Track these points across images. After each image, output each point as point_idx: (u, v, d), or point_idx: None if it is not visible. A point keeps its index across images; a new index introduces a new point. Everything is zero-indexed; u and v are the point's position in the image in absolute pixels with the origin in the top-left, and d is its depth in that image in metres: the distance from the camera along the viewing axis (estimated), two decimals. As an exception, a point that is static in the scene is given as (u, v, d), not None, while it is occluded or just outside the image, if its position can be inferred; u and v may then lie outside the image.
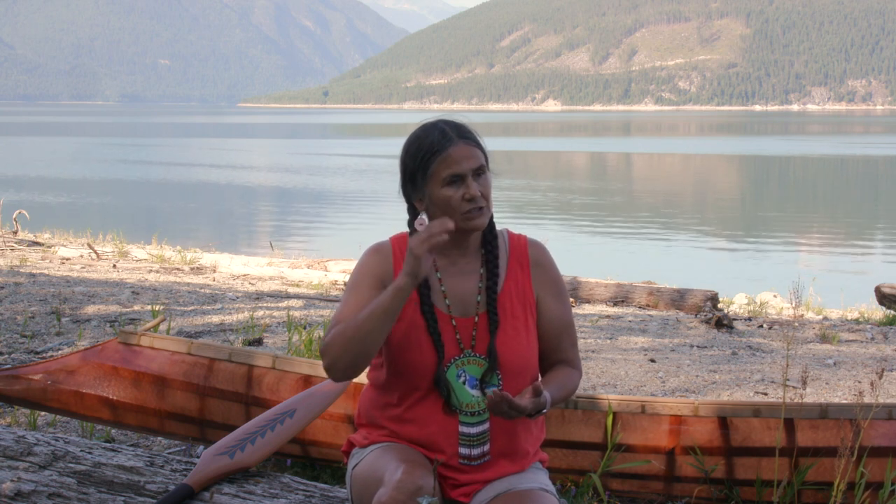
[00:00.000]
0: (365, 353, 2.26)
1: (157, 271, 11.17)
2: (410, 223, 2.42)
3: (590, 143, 73.39)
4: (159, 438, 4.26)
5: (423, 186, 2.35)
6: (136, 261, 12.48)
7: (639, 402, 3.48)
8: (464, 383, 2.37)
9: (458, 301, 2.41)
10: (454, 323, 2.39)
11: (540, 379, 2.42)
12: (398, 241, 2.45)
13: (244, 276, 11.45)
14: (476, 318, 2.40)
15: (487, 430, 2.38)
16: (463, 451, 2.37)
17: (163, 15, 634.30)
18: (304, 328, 6.23)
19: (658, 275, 12.62)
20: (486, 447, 2.38)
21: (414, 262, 2.19)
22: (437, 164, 2.33)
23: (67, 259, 12.14)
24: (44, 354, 5.84)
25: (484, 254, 2.45)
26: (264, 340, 6.38)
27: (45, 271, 10.25)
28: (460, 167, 2.32)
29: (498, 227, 2.50)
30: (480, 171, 2.35)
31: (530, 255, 2.47)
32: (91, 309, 7.51)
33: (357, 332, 2.24)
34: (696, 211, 28.42)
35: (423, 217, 2.38)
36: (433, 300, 2.39)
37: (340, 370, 2.29)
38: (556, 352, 2.47)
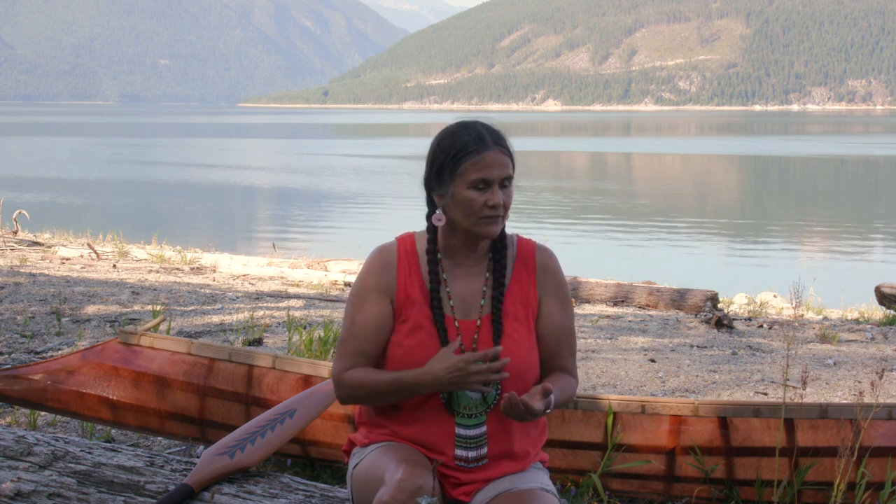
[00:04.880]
0: (376, 404, 2.42)
1: (157, 271, 11.17)
2: (429, 216, 2.42)
3: (590, 143, 73.34)
4: (159, 438, 4.25)
5: (448, 183, 2.35)
6: (136, 261, 12.48)
7: (639, 402, 3.47)
8: (463, 385, 2.37)
9: (462, 303, 2.41)
10: (457, 325, 2.39)
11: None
12: (404, 242, 2.45)
13: (244, 276, 11.45)
14: (478, 322, 2.39)
15: (485, 433, 2.38)
16: (459, 453, 2.37)
17: (163, 15, 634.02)
18: (305, 328, 6.23)
19: (658, 275, 12.61)
20: (484, 450, 2.38)
21: (451, 384, 2.29)
22: (469, 165, 2.33)
23: (67, 259, 12.14)
24: (44, 354, 5.84)
25: (492, 260, 2.44)
26: (264, 340, 6.38)
27: (45, 271, 10.25)
28: (491, 173, 2.33)
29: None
30: (507, 182, 2.37)
31: (538, 260, 2.47)
32: (91, 309, 7.50)
33: (371, 395, 2.37)
34: (696, 211, 28.40)
35: (440, 213, 2.39)
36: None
37: (351, 404, 2.48)
38: (554, 359, 2.46)
